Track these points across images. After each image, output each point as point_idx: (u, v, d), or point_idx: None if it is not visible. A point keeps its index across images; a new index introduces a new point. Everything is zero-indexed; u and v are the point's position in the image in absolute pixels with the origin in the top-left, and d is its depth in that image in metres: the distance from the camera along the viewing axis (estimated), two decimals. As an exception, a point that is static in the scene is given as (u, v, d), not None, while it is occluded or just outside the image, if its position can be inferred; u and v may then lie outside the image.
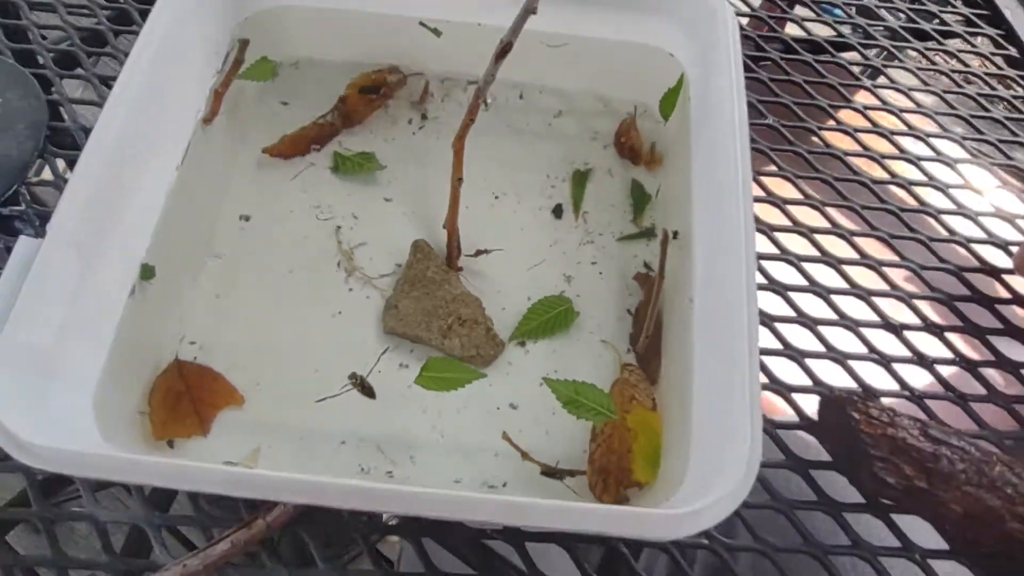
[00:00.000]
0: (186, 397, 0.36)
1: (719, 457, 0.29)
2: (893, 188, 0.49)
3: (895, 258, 0.45)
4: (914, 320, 0.43)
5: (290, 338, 0.39)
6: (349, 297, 0.40)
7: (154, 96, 0.36)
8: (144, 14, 0.51)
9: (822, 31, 0.58)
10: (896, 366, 0.41)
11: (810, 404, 0.40)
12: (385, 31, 0.45)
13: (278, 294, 0.40)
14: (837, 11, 0.58)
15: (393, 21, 0.45)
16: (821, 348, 0.42)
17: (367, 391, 0.37)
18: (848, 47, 0.56)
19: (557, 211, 0.44)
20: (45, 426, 0.28)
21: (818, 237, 0.46)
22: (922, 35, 0.58)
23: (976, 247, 0.47)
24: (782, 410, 0.40)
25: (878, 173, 0.49)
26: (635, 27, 0.43)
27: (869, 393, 0.40)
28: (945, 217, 0.48)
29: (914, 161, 0.50)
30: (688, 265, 0.38)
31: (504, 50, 0.38)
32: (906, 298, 0.44)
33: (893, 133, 0.51)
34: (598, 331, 0.40)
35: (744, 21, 0.57)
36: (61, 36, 0.51)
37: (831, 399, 0.38)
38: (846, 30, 0.58)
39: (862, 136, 0.50)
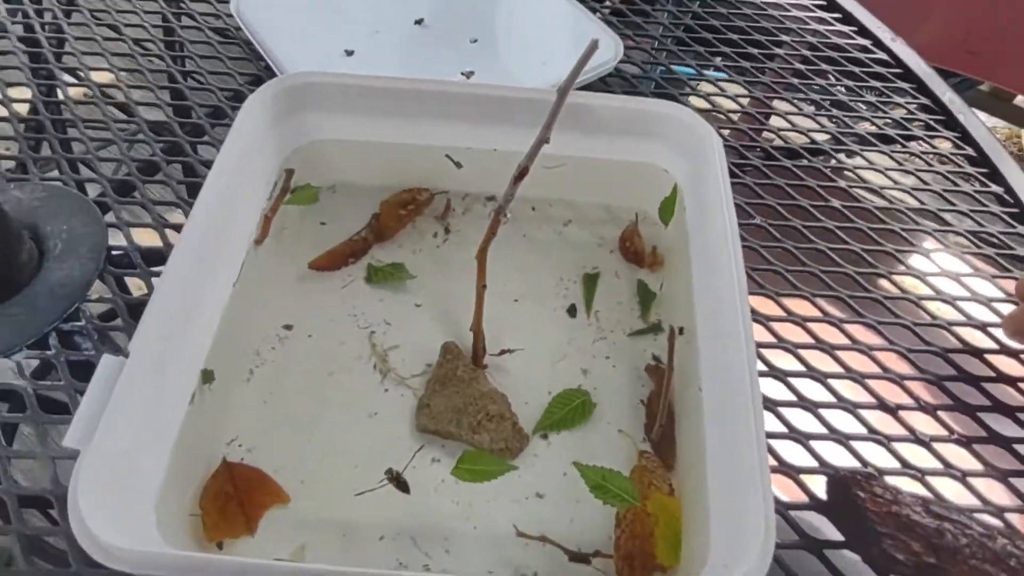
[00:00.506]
0: (234, 499, 0.39)
1: (737, 539, 0.32)
2: (875, 277, 0.54)
3: (884, 342, 0.49)
4: (908, 400, 0.47)
5: (331, 438, 0.42)
6: (384, 397, 0.44)
7: (220, 224, 0.41)
8: (194, 146, 0.58)
9: (797, 139, 0.64)
10: (896, 445, 0.44)
11: (818, 485, 0.43)
12: (411, 158, 0.51)
13: (319, 397, 0.43)
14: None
15: (418, 150, 0.51)
16: (823, 430, 0.45)
17: (402, 486, 0.40)
18: (821, 152, 0.63)
19: (571, 311, 0.48)
20: (119, 530, 0.31)
21: (811, 325, 0.50)
22: (887, 139, 0.64)
23: (957, 329, 0.51)
24: (793, 491, 0.42)
25: (860, 265, 0.54)
26: (633, 148, 0.49)
27: (873, 472, 0.43)
28: (926, 303, 0.52)
29: (892, 253, 0.55)
30: (694, 357, 0.41)
31: (522, 173, 0.44)
32: (898, 380, 0.47)
33: (871, 228, 0.56)
34: (615, 421, 0.43)
35: (727, 132, 0.63)
36: (118, 167, 0.57)
37: (837, 479, 0.41)
38: (819, 137, 0.64)
39: (842, 232, 0.56)
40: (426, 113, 0.49)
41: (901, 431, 0.45)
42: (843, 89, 0.69)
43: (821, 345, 0.49)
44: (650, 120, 0.48)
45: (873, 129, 0.65)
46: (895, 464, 0.44)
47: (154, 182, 0.56)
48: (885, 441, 0.44)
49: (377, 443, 0.42)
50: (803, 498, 0.42)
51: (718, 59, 0.70)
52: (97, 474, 0.31)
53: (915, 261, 0.55)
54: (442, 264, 0.50)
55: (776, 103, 0.67)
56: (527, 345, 0.46)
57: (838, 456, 0.44)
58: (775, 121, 0.67)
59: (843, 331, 0.50)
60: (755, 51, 0.72)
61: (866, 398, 0.46)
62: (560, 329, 0.47)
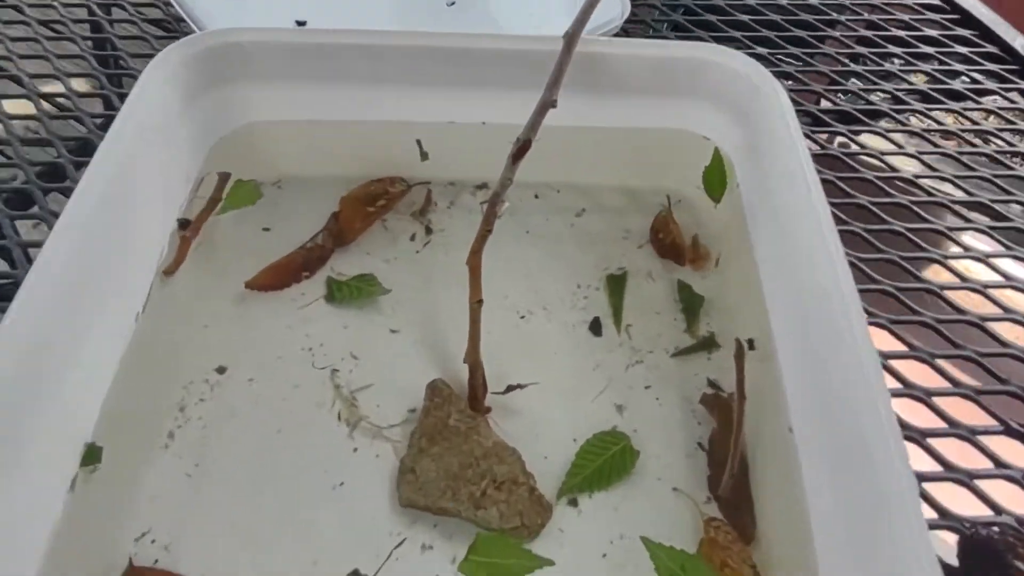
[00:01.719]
0: (145, 622, 0.27)
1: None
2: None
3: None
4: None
5: (281, 523, 0.30)
6: (354, 459, 0.32)
7: (108, 230, 0.30)
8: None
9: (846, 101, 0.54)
10: (1036, 482, 0.33)
11: (943, 544, 0.32)
12: (378, 139, 0.40)
13: (264, 463, 0.32)
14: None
15: (386, 128, 0.40)
16: (938, 467, 0.34)
17: None
18: (880, 113, 0.52)
19: (595, 326, 0.37)
20: None
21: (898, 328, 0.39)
22: (956, 95, 0.54)
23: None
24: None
25: (944, 247, 0.43)
26: (662, 111, 0.38)
27: (1018, 526, 0.32)
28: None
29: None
30: (775, 381, 0.30)
31: (522, 149, 0.33)
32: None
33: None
34: (666, 474, 0.32)
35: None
36: (13, 174, 0.46)
37: (978, 540, 0.30)
38: (874, 98, 0.53)
39: (919, 207, 0.45)
40: (393, 78, 0.37)
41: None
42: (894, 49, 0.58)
43: (917, 353, 0.38)
44: (685, 71, 0.36)
45: (937, 85, 0.54)
46: (1044, 511, 0.33)
47: (59, 189, 0.45)
48: (1021, 478, 0.34)
49: (346, 527, 0.30)
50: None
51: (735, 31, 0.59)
52: None
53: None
54: (424, 274, 0.39)
55: (814, 61, 0.56)
56: (541, 376, 0.34)
57: (962, 502, 0.33)
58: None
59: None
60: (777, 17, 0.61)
61: (983, 419, 0.35)
62: (582, 352, 0.36)
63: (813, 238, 0.28)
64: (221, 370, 0.35)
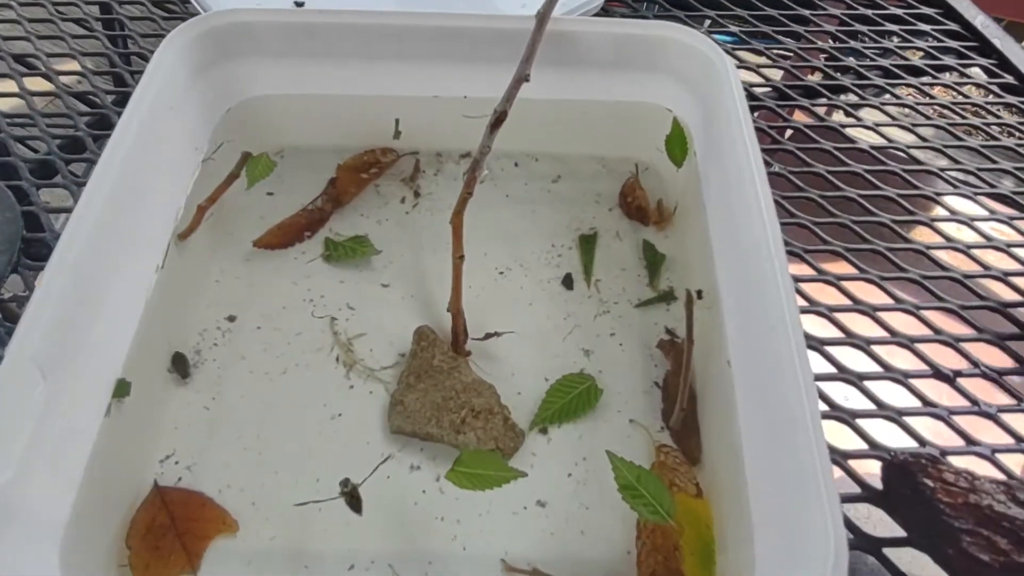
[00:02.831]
0: (171, 531, 0.32)
1: (794, 546, 0.25)
2: (914, 225, 0.47)
3: (931, 299, 0.42)
4: (966, 365, 0.40)
5: (287, 447, 0.35)
6: (350, 395, 0.36)
7: (129, 198, 0.33)
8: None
9: (814, 77, 0.57)
10: (957, 419, 0.38)
11: (870, 471, 0.36)
12: (369, 113, 0.44)
13: (272, 399, 0.36)
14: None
15: (376, 102, 0.43)
16: (871, 406, 0.38)
17: (354, 503, 0.32)
18: (842, 88, 0.55)
19: (567, 281, 0.41)
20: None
21: (846, 284, 0.43)
22: (915, 71, 0.57)
23: (1016, 280, 0.44)
24: (842, 481, 0.36)
25: (897, 213, 0.47)
26: (628, 85, 0.42)
27: (935, 455, 0.36)
28: (975, 251, 0.45)
29: (932, 196, 0.48)
30: (718, 326, 0.34)
31: (499, 119, 0.36)
32: (952, 342, 0.41)
33: (905, 169, 0.49)
34: (625, 409, 0.36)
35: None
36: (38, 145, 0.50)
37: (896, 465, 0.34)
38: (837, 73, 0.57)
39: (873, 176, 0.48)
40: (384, 55, 0.41)
41: (963, 402, 0.38)
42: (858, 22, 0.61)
43: (860, 306, 0.42)
44: (647, 47, 0.40)
45: (898, 61, 0.57)
46: (959, 442, 0.37)
47: (79, 160, 0.49)
48: (945, 415, 0.38)
49: (343, 451, 0.35)
50: (854, 488, 0.35)
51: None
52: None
53: (958, 204, 0.48)
54: (412, 234, 0.43)
55: (784, 39, 0.59)
56: (516, 325, 0.39)
57: (891, 436, 0.37)
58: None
59: (884, 289, 0.43)
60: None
61: (918, 365, 0.40)
62: (555, 303, 0.40)
63: (750, 200, 0.32)
64: (232, 319, 0.39)
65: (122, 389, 0.33)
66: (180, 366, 0.36)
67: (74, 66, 0.54)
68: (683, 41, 0.39)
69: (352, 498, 0.31)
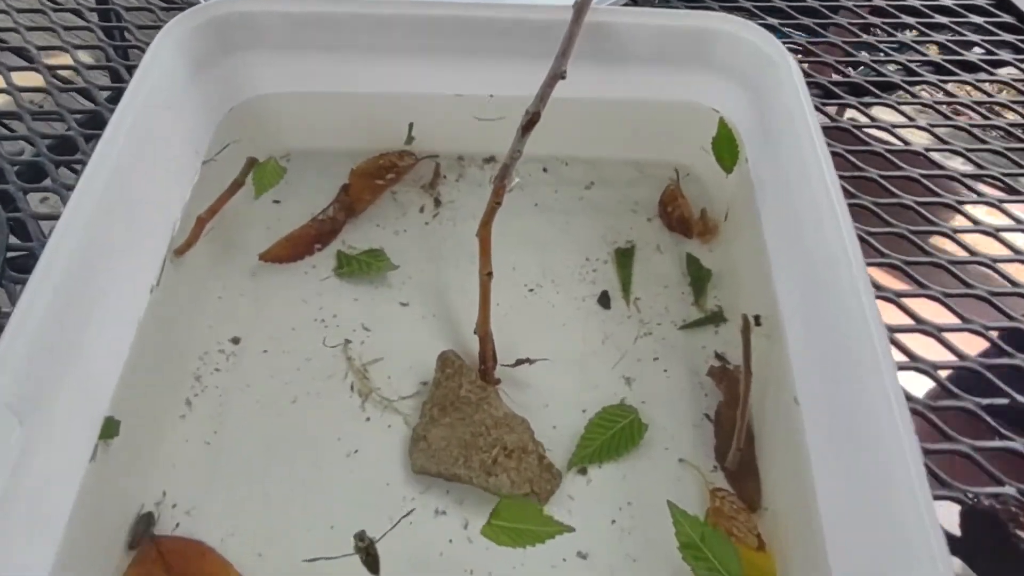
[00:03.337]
0: (168, 586, 0.28)
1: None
2: (977, 234, 0.43)
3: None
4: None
5: (298, 488, 0.31)
6: (367, 429, 0.33)
7: (120, 208, 0.30)
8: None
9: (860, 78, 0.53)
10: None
11: (946, 515, 0.32)
12: (384, 113, 0.40)
13: (280, 432, 0.33)
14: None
15: (392, 100, 0.39)
16: (945, 443, 0.34)
17: (371, 561, 0.28)
18: (892, 86, 0.51)
19: (604, 299, 0.37)
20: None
21: (905, 301, 0.39)
22: (970, 67, 0.53)
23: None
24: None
25: (956, 221, 0.43)
26: (671, 82, 0.38)
27: (1016, 493, 0.32)
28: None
29: (995, 204, 0.44)
30: (781, 355, 0.31)
31: (531, 121, 0.33)
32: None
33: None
34: (673, 445, 0.33)
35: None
36: (24, 147, 0.46)
37: (978, 511, 0.31)
38: (886, 70, 0.53)
39: (929, 182, 0.44)
40: (399, 48, 0.37)
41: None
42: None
43: (923, 327, 0.38)
44: (695, 41, 0.36)
45: (950, 56, 0.53)
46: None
47: (70, 163, 0.45)
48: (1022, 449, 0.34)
49: (360, 493, 0.31)
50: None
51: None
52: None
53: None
54: (433, 247, 0.39)
55: (826, 33, 0.55)
56: (549, 349, 0.35)
57: (965, 474, 0.34)
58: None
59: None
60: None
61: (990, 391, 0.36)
62: (591, 324, 0.36)
63: (822, 212, 0.28)
64: (235, 340, 0.35)
65: (110, 429, 0.29)
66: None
67: (66, 60, 0.51)
68: (735, 34, 0.35)
69: (368, 556, 0.27)
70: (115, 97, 0.48)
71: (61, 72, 0.50)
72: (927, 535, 0.21)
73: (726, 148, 0.36)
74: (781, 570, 0.28)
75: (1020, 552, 0.28)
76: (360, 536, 0.27)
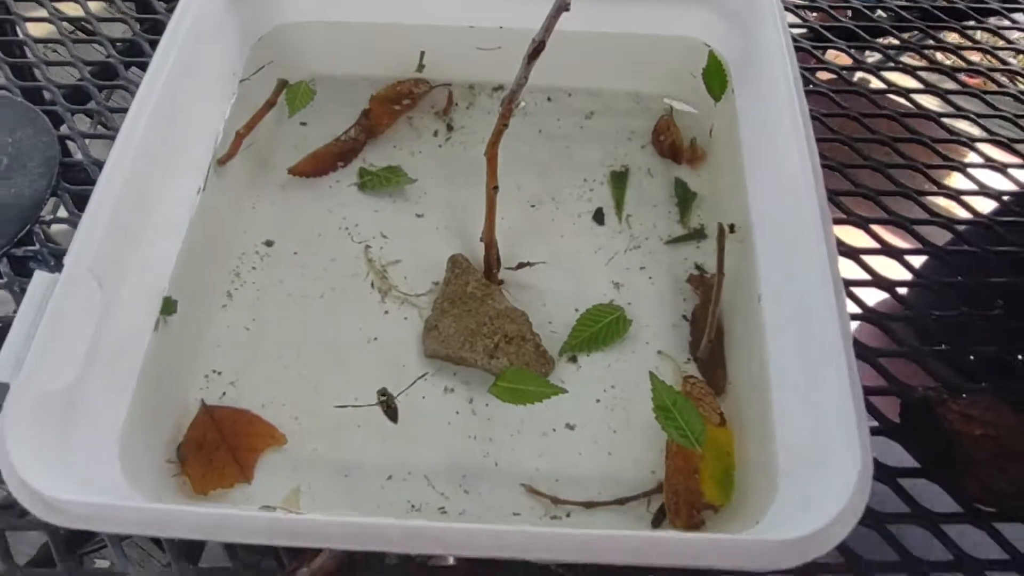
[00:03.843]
0: (223, 446, 0.33)
1: (819, 473, 0.26)
2: (948, 171, 0.46)
3: (959, 244, 0.42)
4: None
5: (326, 367, 0.36)
6: (385, 320, 0.38)
7: (171, 121, 0.34)
8: (154, 45, 0.49)
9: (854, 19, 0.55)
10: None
11: (888, 407, 0.37)
12: (402, 42, 0.44)
13: (310, 321, 0.37)
14: None
15: (409, 31, 0.43)
16: (894, 345, 0.39)
17: (391, 412, 0.34)
18: (882, 31, 0.54)
19: (598, 216, 0.41)
20: (69, 479, 0.26)
21: (875, 228, 0.43)
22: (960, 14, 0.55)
23: None
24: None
25: (928, 158, 0.46)
26: (666, 19, 0.41)
27: (954, 389, 0.37)
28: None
29: (968, 143, 0.48)
30: (750, 261, 0.35)
31: (537, 50, 0.36)
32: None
33: (940, 113, 0.48)
34: (653, 340, 0.37)
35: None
36: (70, 71, 0.50)
37: (915, 400, 0.35)
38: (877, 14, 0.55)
39: (909, 120, 0.48)
40: (419, -19, 0.40)
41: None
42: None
43: (888, 249, 0.42)
44: (690, -22, 0.39)
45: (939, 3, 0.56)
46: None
47: (111, 87, 0.49)
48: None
49: (379, 372, 0.36)
50: (872, 423, 0.36)
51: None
52: (33, 414, 0.25)
53: (992, 152, 0.47)
54: (445, 166, 0.43)
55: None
56: (548, 256, 0.39)
57: (910, 373, 0.38)
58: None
59: (913, 233, 0.43)
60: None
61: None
62: (586, 237, 0.40)
63: (790, 141, 0.32)
64: (269, 243, 0.40)
65: (169, 307, 0.34)
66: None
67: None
68: (726, -29, 0.38)
69: (389, 407, 0.32)
70: (150, 28, 0.52)
71: (96, 3, 0.53)
72: (846, 391, 0.26)
73: (715, 78, 0.40)
74: (738, 444, 0.33)
75: (945, 429, 0.33)
76: (382, 391, 0.32)
